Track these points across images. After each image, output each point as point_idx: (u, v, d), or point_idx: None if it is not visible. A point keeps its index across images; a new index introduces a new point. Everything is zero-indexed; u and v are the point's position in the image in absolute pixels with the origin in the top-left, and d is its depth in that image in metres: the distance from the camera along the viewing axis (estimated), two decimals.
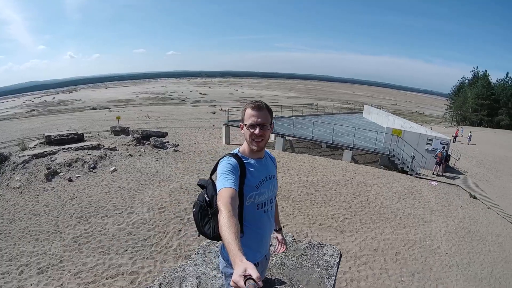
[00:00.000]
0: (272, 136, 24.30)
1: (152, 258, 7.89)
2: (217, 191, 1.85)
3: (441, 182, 18.40)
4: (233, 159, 2.03)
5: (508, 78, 64.15)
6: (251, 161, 2.12)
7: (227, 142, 22.08)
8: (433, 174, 19.46)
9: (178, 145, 19.30)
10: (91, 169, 13.86)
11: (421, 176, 18.81)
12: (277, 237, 2.73)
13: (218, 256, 3.49)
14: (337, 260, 4.12)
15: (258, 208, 2.12)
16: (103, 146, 16.79)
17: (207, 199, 2.16)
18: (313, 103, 42.65)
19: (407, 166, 19.18)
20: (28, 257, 7.87)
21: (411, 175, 18.83)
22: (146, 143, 18.45)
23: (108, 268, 7.56)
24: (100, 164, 14.53)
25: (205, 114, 44.60)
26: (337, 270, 4.02)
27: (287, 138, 22.17)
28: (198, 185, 2.37)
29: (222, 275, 2.29)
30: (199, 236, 2.37)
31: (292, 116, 28.17)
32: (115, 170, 13.85)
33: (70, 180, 12.79)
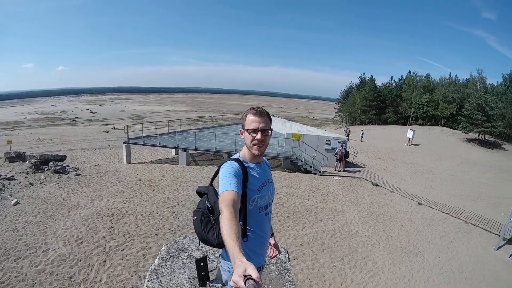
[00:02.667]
0: (173, 151, 24.22)
1: None
2: (219, 193, 1.91)
3: (344, 176, 20.35)
4: (236, 164, 2.12)
5: (392, 82, 78.16)
6: (252, 165, 2.22)
7: (129, 161, 21.06)
8: (335, 170, 21.39)
9: (78, 168, 17.97)
10: None
11: (325, 174, 20.53)
12: (269, 242, 2.76)
13: (173, 262, 3.51)
14: (287, 256, 4.39)
15: (261, 211, 2.22)
16: (0, 175, 14.94)
17: (209, 205, 2.22)
18: (205, 115, 43.31)
19: (310, 166, 20.70)
20: None
21: (315, 174, 20.38)
22: (46, 168, 16.96)
23: None
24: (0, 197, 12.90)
25: (98, 134, 42.30)
26: (290, 264, 4.31)
27: (190, 152, 22.08)
28: (197, 192, 2.43)
29: (227, 285, 2.34)
30: (199, 245, 2.39)
31: (191, 129, 28.16)
32: (17, 203, 12.33)
33: None
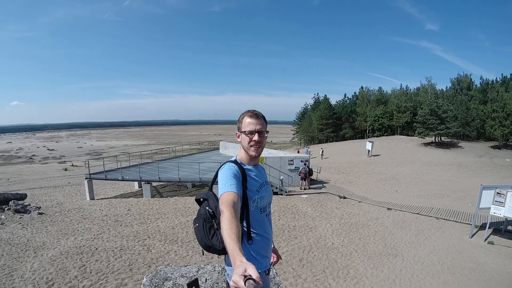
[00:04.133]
0: (136, 184, 23.82)
1: None
2: (219, 195, 1.96)
3: (310, 193, 20.63)
4: (234, 165, 2.18)
5: (346, 98, 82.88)
6: (249, 167, 2.30)
7: (92, 198, 20.29)
8: (301, 188, 21.68)
9: (40, 207, 17.11)
10: None
11: (292, 193, 20.72)
12: None
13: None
14: (274, 271, 4.40)
15: (262, 212, 2.27)
16: None
17: (210, 211, 2.23)
18: (163, 147, 42.95)
19: (276, 188, 20.83)
20: None
21: (282, 194, 20.52)
22: (6, 208, 16.11)
23: None
24: None
25: (57, 172, 40.54)
26: (280, 279, 4.30)
27: (153, 184, 21.73)
28: (196, 200, 2.45)
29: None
30: (203, 254, 2.37)
31: (153, 161, 27.85)
32: None
33: None
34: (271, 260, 2.74)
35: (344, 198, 19.38)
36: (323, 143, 67.68)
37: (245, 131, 2.21)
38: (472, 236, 12.91)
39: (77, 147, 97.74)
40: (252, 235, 2.17)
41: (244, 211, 2.08)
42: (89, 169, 21.11)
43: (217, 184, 2.12)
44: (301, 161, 22.59)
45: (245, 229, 2.13)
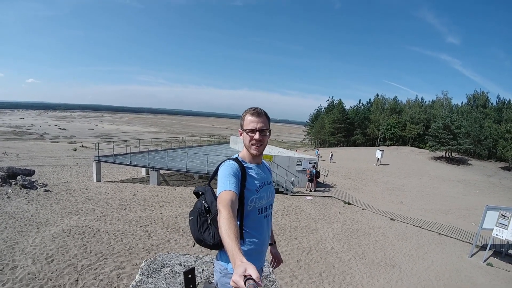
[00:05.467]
0: (143, 170, 23.91)
1: None
2: (218, 193, 1.94)
3: (315, 196, 20.55)
4: (234, 163, 2.16)
5: (360, 104, 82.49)
6: (251, 165, 2.26)
7: (99, 180, 20.47)
8: (307, 190, 21.59)
9: (47, 184, 17.26)
10: None
11: (297, 194, 20.66)
12: (271, 251, 2.82)
13: (155, 278, 3.48)
14: (271, 269, 4.39)
15: (259, 213, 2.23)
16: None
17: (206, 205, 2.24)
18: (174, 137, 43.18)
19: (282, 187, 20.81)
20: None
21: (287, 194, 20.49)
22: (13, 182, 16.23)
23: None
24: None
25: (66, 151, 40.97)
26: (275, 276, 4.30)
27: (161, 172, 21.84)
28: (194, 193, 2.46)
29: (217, 286, 2.32)
30: (194, 246, 2.37)
31: (163, 149, 27.98)
32: None
33: None
34: (273, 263, 2.81)
35: (349, 204, 19.28)
36: (334, 147, 67.53)
37: (246, 129, 2.18)
38: (472, 255, 12.78)
39: (88, 128, 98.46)
40: (244, 235, 2.15)
41: (239, 210, 2.05)
42: (98, 151, 21.24)
43: (216, 180, 2.11)
44: (310, 163, 22.50)
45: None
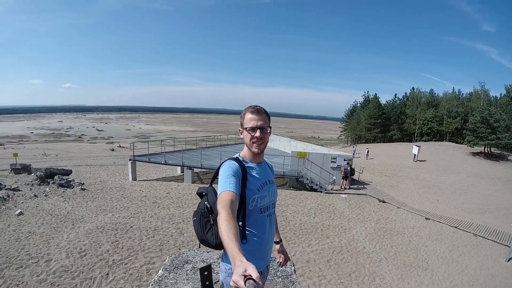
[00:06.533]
0: (178, 169, 24.23)
1: None
2: (218, 194, 1.91)
3: (350, 193, 20.16)
4: (235, 163, 2.12)
5: (396, 99, 78.51)
6: (252, 165, 2.21)
7: (134, 178, 21.13)
8: (341, 188, 21.16)
9: (83, 183, 18.02)
10: None
11: (331, 191, 20.35)
12: (277, 249, 2.78)
13: (177, 273, 3.45)
14: (293, 268, 4.31)
15: (262, 212, 2.19)
16: (5, 186, 15.06)
17: (208, 206, 2.22)
18: (210, 135, 43.71)
19: (316, 185, 20.56)
20: None
21: (321, 191, 20.21)
22: (51, 182, 17.06)
23: None
24: (4, 207, 12.81)
25: (104, 151, 42.74)
26: (296, 276, 4.22)
27: (195, 170, 22.15)
28: (197, 193, 2.45)
29: (223, 285, 2.30)
30: (199, 247, 2.42)
31: (197, 148, 28.46)
32: (21, 213, 12.35)
33: None
34: (279, 261, 2.73)
35: (383, 202, 18.77)
36: (370, 143, 65.72)
37: (247, 127, 2.13)
38: (509, 260, 12.02)
39: (125, 129, 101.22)
40: (247, 234, 2.11)
41: (240, 210, 2.02)
42: (133, 151, 21.76)
43: (217, 180, 2.08)
44: (344, 160, 22.06)
45: (240, 228, 2.06)
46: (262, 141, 2.14)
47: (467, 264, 11.46)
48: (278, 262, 2.77)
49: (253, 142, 2.13)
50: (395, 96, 79.95)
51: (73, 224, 11.70)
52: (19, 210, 12.71)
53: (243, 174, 2.09)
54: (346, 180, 21.26)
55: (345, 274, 9.71)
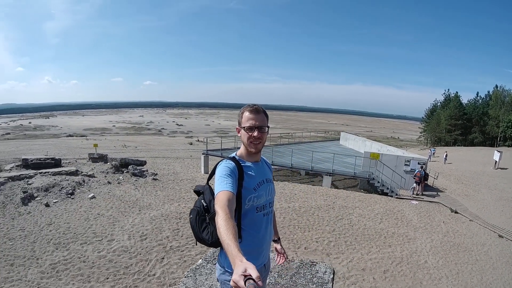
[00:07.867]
0: None
1: (135, 287, 7.67)
2: (215, 194, 1.91)
3: (421, 200, 19.03)
4: (231, 162, 2.12)
5: (478, 98, 70.32)
6: (249, 164, 2.21)
7: (206, 172, 22.02)
8: (413, 193, 20.03)
9: (156, 174, 19.24)
10: (69, 195, 13.72)
11: (402, 197, 19.39)
12: (276, 248, 2.77)
13: (215, 264, 3.56)
14: (331, 276, 4.23)
15: (258, 211, 2.19)
16: (81, 172, 16.69)
17: (205, 204, 2.23)
18: (289, 132, 43.65)
19: (387, 188, 19.72)
20: (2, 283, 7.41)
21: (392, 196, 19.34)
22: (125, 171, 18.45)
23: None
24: (78, 190, 14.39)
25: (182, 145, 44.71)
26: (332, 286, 4.14)
27: None
28: (195, 191, 2.47)
29: (218, 282, 2.31)
30: (196, 244, 2.42)
31: (270, 145, 28.82)
32: (93, 197, 13.76)
33: (47, 205, 12.57)
34: (278, 260, 2.74)
35: (456, 212, 17.30)
36: (450, 146, 60.36)
37: (244, 127, 2.14)
38: None
39: (204, 124, 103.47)
40: (242, 234, 2.12)
41: (236, 209, 2.01)
42: (206, 145, 22.55)
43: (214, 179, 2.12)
44: (418, 163, 20.78)
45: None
46: (259, 141, 2.16)
47: None
48: (276, 262, 2.76)
49: (251, 142, 2.15)
50: (477, 94, 71.39)
51: (139, 210, 12.55)
52: (92, 194, 13.96)
53: (239, 174, 2.10)
54: (419, 185, 20.08)
55: None
